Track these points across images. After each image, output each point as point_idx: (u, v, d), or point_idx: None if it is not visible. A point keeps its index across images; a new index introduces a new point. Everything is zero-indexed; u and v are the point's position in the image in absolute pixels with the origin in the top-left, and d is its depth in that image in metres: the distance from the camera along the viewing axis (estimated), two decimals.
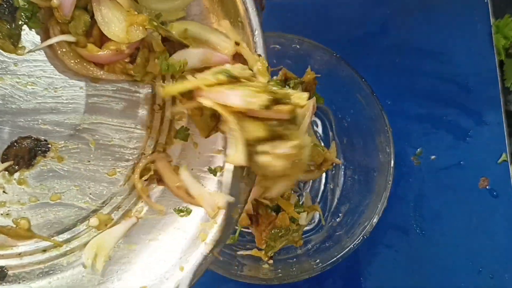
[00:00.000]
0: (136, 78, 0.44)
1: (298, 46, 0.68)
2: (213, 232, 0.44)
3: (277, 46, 0.68)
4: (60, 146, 0.44)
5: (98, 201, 0.46)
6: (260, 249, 0.67)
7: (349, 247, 0.62)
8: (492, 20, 0.84)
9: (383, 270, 0.75)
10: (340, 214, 0.71)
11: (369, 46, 0.84)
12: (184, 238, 0.45)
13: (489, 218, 0.77)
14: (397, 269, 0.75)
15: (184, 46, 0.43)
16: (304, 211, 0.65)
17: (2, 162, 0.41)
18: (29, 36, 0.41)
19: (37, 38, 0.41)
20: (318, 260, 0.64)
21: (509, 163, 0.78)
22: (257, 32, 0.42)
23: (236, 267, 0.65)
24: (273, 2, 0.83)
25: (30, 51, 0.41)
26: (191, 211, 0.46)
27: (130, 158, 0.47)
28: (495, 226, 0.76)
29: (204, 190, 0.45)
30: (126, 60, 0.43)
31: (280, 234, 0.65)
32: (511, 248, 0.76)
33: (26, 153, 0.42)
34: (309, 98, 0.70)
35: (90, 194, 0.45)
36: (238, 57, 0.43)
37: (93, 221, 0.45)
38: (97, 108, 0.45)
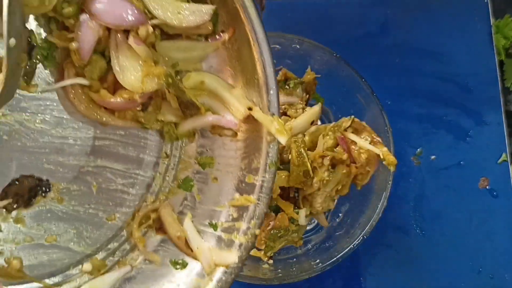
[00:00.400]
0: (146, 125, 0.44)
1: (298, 46, 0.68)
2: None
3: (277, 46, 0.68)
4: (61, 187, 0.43)
5: (94, 246, 0.45)
6: (259, 249, 0.67)
7: (349, 247, 0.62)
8: (492, 20, 0.84)
9: (383, 270, 0.75)
10: (340, 214, 0.71)
11: (369, 46, 0.84)
12: None
13: (489, 218, 0.77)
14: (397, 269, 0.75)
15: (195, 106, 0.43)
16: (302, 208, 0.65)
17: (1, 200, 0.40)
18: (42, 74, 0.41)
19: (50, 77, 0.41)
20: (318, 260, 0.63)
21: (509, 163, 0.78)
22: (273, 92, 0.42)
23: None
24: (273, 2, 0.83)
25: (43, 90, 0.41)
26: (187, 264, 0.45)
27: (131, 204, 0.46)
28: (495, 226, 0.76)
29: (204, 244, 0.45)
30: (137, 108, 0.43)
31: (279, 235, 0.65)
32: (511, 248, 0.76)
33: (26, 192, 0.41)
34: (309, 98, 0.71)
35: (87, 238, 0.44)
36: (249, 119, 0.43)
37: (87, 266, 0.44)
38: (103, 151, 0.44)
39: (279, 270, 0.65)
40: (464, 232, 0.76)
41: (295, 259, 0.68)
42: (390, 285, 0.75)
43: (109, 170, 0.44)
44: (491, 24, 0.83)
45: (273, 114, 0.42)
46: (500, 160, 0.78)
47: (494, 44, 0.83)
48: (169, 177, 0.48)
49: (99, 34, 0.39)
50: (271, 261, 0.67)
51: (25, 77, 0.40)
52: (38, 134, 0.41)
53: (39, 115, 0.41)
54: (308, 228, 0.72)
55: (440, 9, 0.85)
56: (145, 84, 0.40)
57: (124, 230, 0.46)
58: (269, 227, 0.64)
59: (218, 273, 0.43)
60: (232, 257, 0.43)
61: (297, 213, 0.65)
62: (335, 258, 0.62)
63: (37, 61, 0.40)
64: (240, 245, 0.43)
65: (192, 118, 0.45)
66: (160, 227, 0.46)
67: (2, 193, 0.40)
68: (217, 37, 0.43)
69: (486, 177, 0.78)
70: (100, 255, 0.45)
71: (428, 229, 0.76)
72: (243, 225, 0.44)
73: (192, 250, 0.44)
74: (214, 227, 0.46)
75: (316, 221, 0.73)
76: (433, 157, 0.79)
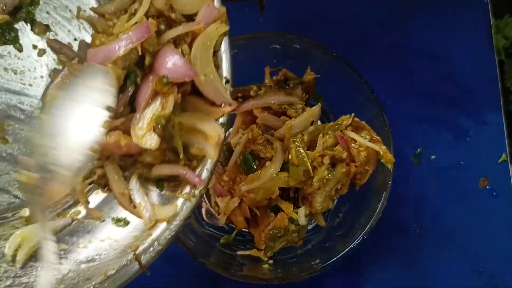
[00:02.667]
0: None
1: (298, 46, 0.68)
2: (146, 244, 0.42)
3: (277, 45, 0.68)
4: (7, 127, 0.42)
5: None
6: (259, 250, 0.67)
7: (349, 247, 0.62)
8: (492, 20, 0.84)
9: (383, 270, 0.75)
10: (340, 214, 0.71)
11: (369, 46, 0.84)
12: (114, 249, 0.43)
13: (489, 218, 0.77)
14: (397, 269, 0.75)
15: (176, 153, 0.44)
16: (301, 207, 0.65)
17: None
18: None
19: None
20: (318, 260, 0.63)
21: (509, 163, 0.78)
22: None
23: (235, 267, 0.65)
24: (273, 2, 0.83)
25: None
26: (128, 223, 0.45)
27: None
28: (495, 226, 0.76)
29: (147, 200, 0.44)
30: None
31: (279, 235, 0.65)
32: (511, 248, 0.76)
33: None
34: (309, 98, 0.71)
35: None
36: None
37: (24, 211, 0.43)
38: None
39: (279, 270, 0.65)
40: (464, 232, 0.76)
41: (295, 259, 0.68)
42: (390, 285, 0.75)
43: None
44: (491, 24, 0.83)
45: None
46: (500, 160, 0.78)
47: (494, 44, 0.83)
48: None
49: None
50: (271, 261, 0.67)
51: None
52: None
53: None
54: (308, 228, 0.72)
55: (440, 9, 0.85)
56: (145, 139, 0.41)
57: (69, 184, 0.45)
58: (269, 227, 0.64)
59: (159, 229, 0.42)
60: (172, 210, 0.43)
61: (297, 213, 0.65)
62: (335, 258, 0.62)
63: None
64: (183, 203, 0.43)
65: (169, 165, 0.44)
66: (105, 184, 0.46)
67: None
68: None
69: (486, 177, 0.78)
70: None
71: (428, 229, 0.76)
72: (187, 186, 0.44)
73: (135, 207, 0.44)
74: (160, 187, 0.46)
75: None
76: (433, 157, 0.79)
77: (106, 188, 0.46)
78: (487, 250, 0.75)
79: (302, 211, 0.65)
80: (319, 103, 0.69)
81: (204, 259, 0.61)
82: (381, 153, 0.62)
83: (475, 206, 0.77)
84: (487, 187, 0.78)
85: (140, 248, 0.42)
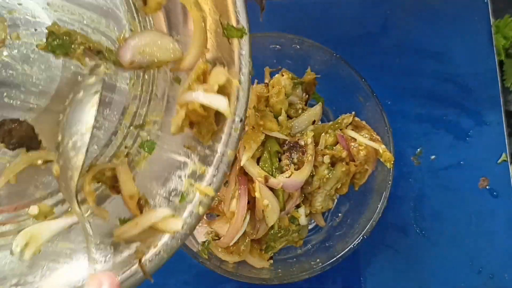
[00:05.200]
0: None
1: (298, 46, 0.68)
2: (151, 253, 0.42)
3: (277, 46, 0.68)
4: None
5: (44, 190, 0.43)
6: (260, 250, 0.67)
7: (349, 247, 0.62)
8: (492, 20, 0.84)
9: (383, 270, 0.75)
10: (339, 214, 0.71)
11: (369, 46, 0.84)
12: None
13: (489, 218, 0.77)
14: (397, 269, 0.75)
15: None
16: (301, 206, 0.65)
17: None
18: None
19: None
20: (318, 260, 0.63)
21: (509, 163, 0.78)
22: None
23: (236, 267, 0.65)
24: (273, 2, 0.83)
25: None
26: None
27: (89, 156, 0.43)
28: (495, 226, 0.76)
29: (153, 211, 0.44)
30: None
31: (279, 235, 0.65)
32: (511, 248, 0.76)
33: (17, 137, 0.40)
34: (309, 98, 0.71)
35: (37, 182, 0.43)
36: None
37: (33, 209, 0.42)
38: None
39: (279, 270, 0.65)
40: (464, 232, 0.76)
41: (295, 259, 0.68)
42: (390, 285, 0.75)
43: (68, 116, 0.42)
44: (491, 24, 0.83)
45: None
46: (500, 160, 0.78)
47: (494, 44, 0.83)
48: (132, 134, 0.46)
49: None
50: (271, 261, 0.67)
51: None
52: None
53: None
54: (308, 228, 0.72)
55: (440, 9, 0.85)
56: None
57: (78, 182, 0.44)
58: None
59: (165, 237, 0.42)
60: (178, 224, 0.42)
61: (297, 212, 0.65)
62: (335, 258, 0.62)
63: None
64: (191, 212, 0.42)
65: None
66: (113, 185, 0.45)
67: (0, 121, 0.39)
68: None
69: (486, 177, 0.78)
70: (49, 201, 0.44)
71: (428, 229, 0.76)
72: (196, 195, 0.43)
73: (141, 212, 0.44)
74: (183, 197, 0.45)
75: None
76: (433, 157, 0.79)
77: (113, 188, 0.45)
78: (487, 250, 0.75)
79: (302, 210, 0.65)
80: (320, 103, 0.69)
81: (204, 259, 0.61)
82: (381, 151, 0.63)
83: (475, 206, 0.77)
84: (487, 187, 0.78)
85: (145, 257, 0.42)
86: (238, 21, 0.41)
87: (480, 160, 0.79)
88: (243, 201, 0.59)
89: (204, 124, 0.42)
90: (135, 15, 0.45)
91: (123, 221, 0.44)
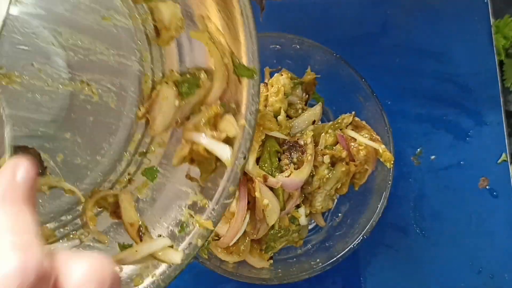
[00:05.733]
0: None
1: (298, 46, 0.68)
2: (148, 281, 0.42)
3: (277, 46, 0.68)
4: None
5: (47, 215, 0.43)
6: (260, 250, 0.67)
7: (349, 247, 0.62)
8: (492, 20, 0.84)
9: (383, 270, 0.75)
10: (339, 214, 0.71)
11: (369, 46, 0.84)
12: None
13: (489, 218, 0.77)
14: (397, 269, 0.75)
15: None
16: (301, 206, 0.65)
17: None
18: None
19: None
20: (318, 260, 0.64)
21: (509, 163, 0.78)
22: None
23: (236, 267, 0.65)
24: (273, 2, 0.83)
25: None
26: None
27: (92, 182, 0.45)
28: (495, 226, 0.76)
29: (153, 241, 0.44)
30: None
31: (279, 235, 0.65)
32: (511, 248, 0.76)
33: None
34: (309, 98, 0.71)
35: (41, 206, 0.43)
36: None
37: None
38: (74, 124, 0.43)
39: (279, 270, 0.65)
40: (464, 232, 0.76)
41: (295, 259, 0.68)
42: (390, 285, 0.75)
43: (74, 142, 0.43)
44: (491, 24, 0.83)
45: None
46: (500, 160, 0.78)
47: (494, 44, 0.83)
48: (136, 160, 0.47)
49: None
50: (271, 261, 0.67)
51: None
52: None
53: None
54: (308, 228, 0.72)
55: (440, 9, 0.85)
56: None
57: (80, 206, 0.45)
58: None
59: (162, 267, 0.42)
60: (177, 256, 0.42)
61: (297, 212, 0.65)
62: (335, 258, 0.62)
63: None
64: (189, 244, 0.43)
65: None
66: (114, 211, 0.45)
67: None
68: None
69: (486, 177, 0.78)
70: (51, 225, 0.44)
71: (428, 229, 0.76)
72: (195, 227, 0.43)
73: (141, 240, 0.44)
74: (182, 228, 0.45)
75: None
76: (433, 157, 0.79)
77: (115, 213, 0.45)
78: (487, 250, 0.75)
79: (302, 210, 0.65)
80: (320, 103, 0.69)
81: (204, 259, 0.61)
82: (380, 151, 0.63)
83: (475, 206, 0.77)
84: (487, 187, 0.78)
85: (142, 285, 0.42)
86: (250, 61, 0.41)
87: (480, 160, 0.79)
88: (243, 202, 0.59)
89: (204, 164, 0.43)
90: (147, 46, 0.45)
91: (123, 247, 0.44)
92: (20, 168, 0.30)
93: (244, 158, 0.42)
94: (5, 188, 0.28)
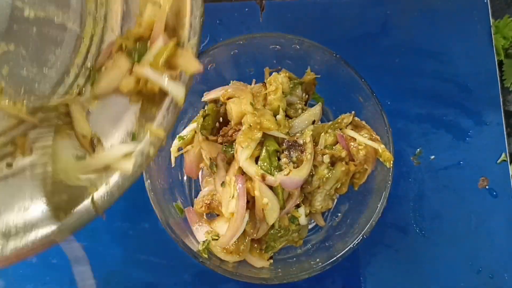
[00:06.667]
0: None
1: (298, 46, 0.68)
2: (103, 190, 0.43)
3: (277, 46, 0.68)
4: None
5: None
6: (260, 250, 0.67)
7: (349, 247, 0.62)
8: (491, 20, 0.84)
9: (383, 270, 0.75)
10: (339, 214, 0.71)
11: (369, 46, 0.84)
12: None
13: (488, 218, 0.77)
14: (397, 269, 0.75)
15: None
16: (301, 206, 0.65)
17: None
18: None
19: None
20: (318, 260, 0.64)
21: (508, 163, 0.78)
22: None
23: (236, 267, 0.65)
24: (273, 2, 0.83)
25: None
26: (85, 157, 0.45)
27: (41, 95, 0.44)
28: (495, 226, 0.76)
29: (106, 152, 0.45)
30: None
31: (279, 235, 0.65)
32: (511, 248, 0.76)
33: None
34: (309, 98, 0.71)
35: None
36: None
37: None
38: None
39: (279, 270, 0.65)
40: (464, 232, 0.76)
41: (295, 259, 0.68)
42: (390, 285, 0.75)
43: (19, 54, 0.42)
44: (491, 24, 0.83)
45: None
46: (499, 160, 0.79)
47: (493, 44, 0.83)
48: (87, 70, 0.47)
49: None
50: (271, 261, 0.67)
51: None
52: None
53: None
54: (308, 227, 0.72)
55: (440, 9, 0.85)
56: None
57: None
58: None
59: (115, 175, 0.43)
60: (129, 164, 0.43)
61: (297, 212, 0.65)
62: (335, 258, 0.62)
63: None
64: (141, 152, 0.43)
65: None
66: (68, 123, 0.45)
67: None
68: None
69: (485, 177, 0.78)
70: None
71: (428, 229, 0.76)
72: (147, 136, 0.44)
73: (93, 151, 0.45)
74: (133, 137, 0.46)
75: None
76: (432, 157, 0.79)
77: (67, 125, 0.45)
78: (487, 250, 0.76)
79: (302, 210, 0.65)
80: (320, 103, 0.69)
81: (204, 259, 0.61)
82: (380, 151, 0.63)
83: (474, 206, 0.77)
84: (486, 187, 0.78)
85: (97, 193, 0.43)
86: None
87: (479, 160, 0.79)
88: (242, 201, 0.59)
89: (148, 97, 0.45)
90: None
91: (78, 158, 0.45)
92: None
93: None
94: None
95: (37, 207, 0.43)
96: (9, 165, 0.43)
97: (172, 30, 0.45)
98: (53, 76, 0.45)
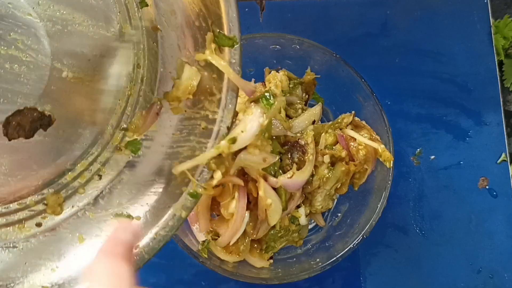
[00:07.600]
0: None
1: (298, 46, 0.68)
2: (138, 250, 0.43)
3: (277, 46, 0.68)
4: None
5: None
6: (261, 250, 0.67)
7: (349, 247, 0.62)
8: (491, 20, 0.84)
9: (383, 270, 0.75)
10: (339, 214, 0.71)
11: (369, 46, 0.84)
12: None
13: (488, 218, 0.77)
14: (397, 269, 0.75)
15: None
16: (301, 206, 0.65)
17: (3, 127, 0.39)
18: None
19: None
20: (318, 260, 0.64)
21: (508, 163, 0.78)
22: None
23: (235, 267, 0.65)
24: (273, 2, 0.83)
25: None
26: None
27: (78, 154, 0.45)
28: (494, 226, 0.76)
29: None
30: None
31: (279, 235, 0.65)
32: (511, 248, 0.76)
33: (28, 123, 0.40)
34: (309, 98, 0.71)
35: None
36: None
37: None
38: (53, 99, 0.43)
39: (279, 270, 0.65)
40: (464, 232, 0.76)
41: (295, 259, 0.68)
42: (390, 285, 0.75)
43: (56, 115, 0.42)
44: (491, 24, 0.83)
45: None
46: (499, 160, 0.79)
47: (493, 45, 0.83)
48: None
49: None
50: (271, 261, 0.67)
51: None
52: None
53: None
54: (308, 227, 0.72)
55: (440, 9, 0.85)
56: None
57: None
58: None
59: (146, 238, 0.43)
60: (145, 240, 0.43)
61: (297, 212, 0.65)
62: (335, 258, 0.62)
63: None
64: (157, 234, 0.43)
65: None
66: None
67: (6, 121, 0.39)
68: None
69: (485, 177, 0.78)
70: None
71: (428, 229, 0.76)
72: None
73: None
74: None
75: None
76: (432, 157, 0.79)
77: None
78: (487, 250, 0.76)
79: (302, 210, 0.65)
80: (320, 103, 0.69)
81: (204, 259, 0.61)
82: (380, 151, 0.63)
83: (474, 206, 0.77)
84: (486, 187, 0.78)
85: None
86: (230, 30, 0.41)
87: (479, 160, 0.79)
88: (242, 202, 0.59)
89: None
90: (126, 17, 0.45)
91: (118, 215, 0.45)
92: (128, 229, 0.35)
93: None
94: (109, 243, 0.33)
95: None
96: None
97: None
98: (87, 135, 0.45)
